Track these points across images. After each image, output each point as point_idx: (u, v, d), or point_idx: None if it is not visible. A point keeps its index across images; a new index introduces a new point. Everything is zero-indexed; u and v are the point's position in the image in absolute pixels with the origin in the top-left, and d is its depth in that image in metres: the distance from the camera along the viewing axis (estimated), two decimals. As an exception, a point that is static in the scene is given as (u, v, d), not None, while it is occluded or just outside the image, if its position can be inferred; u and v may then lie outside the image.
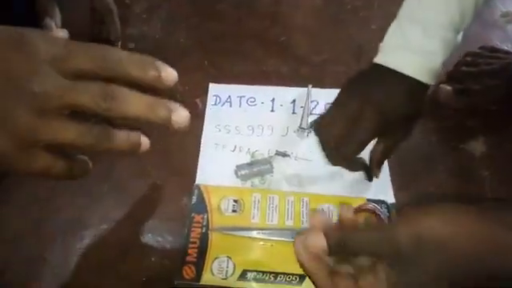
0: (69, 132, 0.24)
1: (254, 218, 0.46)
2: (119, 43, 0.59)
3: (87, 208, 0.46)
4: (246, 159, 0.52)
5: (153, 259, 0.44)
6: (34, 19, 0.52)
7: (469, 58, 0.60)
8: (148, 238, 0.45)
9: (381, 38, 0.44)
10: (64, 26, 0.53)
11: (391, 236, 0.26)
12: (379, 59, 0.43)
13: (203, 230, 0.44)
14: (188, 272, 0.42)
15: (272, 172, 0.51)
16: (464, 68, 0.58)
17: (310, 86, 0.57)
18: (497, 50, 0.61)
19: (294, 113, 0.56)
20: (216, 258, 0.43)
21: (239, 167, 0.50)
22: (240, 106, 0.57)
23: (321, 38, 0.65)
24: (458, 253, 0.25)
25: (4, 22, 0.25)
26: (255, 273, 0.42)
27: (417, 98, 0.42)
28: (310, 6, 0.70)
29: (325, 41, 0.64)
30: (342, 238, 0.28)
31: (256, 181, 0.50)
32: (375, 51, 0.44)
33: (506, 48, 0.62)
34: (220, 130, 0.54)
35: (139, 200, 0.47)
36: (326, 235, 0.28)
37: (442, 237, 0.25)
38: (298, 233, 0.30)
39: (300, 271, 0.42)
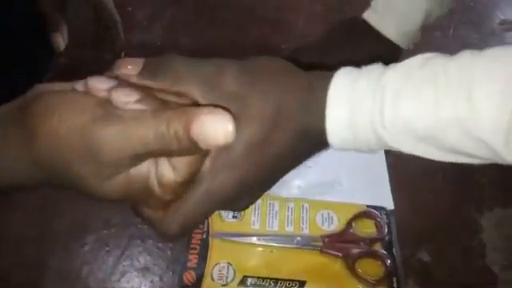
0: None
1: (254, 224, 0.46)
2: (123, 53, 0.60)
3: (89, 213, 0.47)
4: (247, 165, 0.52)
5: (154, 265, 0.44)
6: (34, 19, 0.52)
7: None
8: (149, 244, 0.45)
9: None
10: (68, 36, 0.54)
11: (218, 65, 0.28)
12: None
13: (203, 236, 0.45)
14: (188, 278, 0.42)
15: (272, 178, 0.51)
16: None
17: None
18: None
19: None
20: (216, 264, 0.43)
21: (240, 173, 0.51)
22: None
23: (321, 44, 0.65)
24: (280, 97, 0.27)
25: (4, 22, 0.26)
26: (255, 279, 0.42)
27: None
28: (311, 13, 0.71)
29: (325, 48, 0.65)
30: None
31: (256, 187, 0.50)
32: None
33: (504, 56, 0.63)
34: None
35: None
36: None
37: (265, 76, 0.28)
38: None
39: (301, 277, 0.42)
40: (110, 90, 0.25)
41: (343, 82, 0.27)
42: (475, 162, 0.27)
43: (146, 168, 0.25)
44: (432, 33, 0.66)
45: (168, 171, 0.25)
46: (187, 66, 0.27)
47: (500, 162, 0.26)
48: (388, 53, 0.48)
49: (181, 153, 0.24)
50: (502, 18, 0.70)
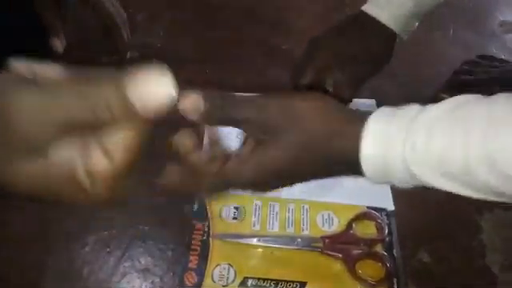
0: None
1: (254, 225, 0.46)
2: (128, 54, 0.59)
3: (90, 214, 0.47)
4: (247, 166, 0.52)
5: (154, 265, 0.44)
6: (34, 20, 0.52)
7: (467, 67, 0.60)
8: (150, 245, 0.45)
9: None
10: (67, 38, 0.54)
11: (263, 103, 0.30)
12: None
13: (204, 237, 0.45)
14: (189, 279, 0.42)
15: (273, 179, 0.51)
16: (462, 76, 0.59)
17: None
18: (495, 59, 0.62)
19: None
20: (217, 265, 0.43)
21: (240, 174, 0.51)
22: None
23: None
24: (314, 128, 0.30)
25: (4, 22, 0.26)
26: (256, 280, 0.42)
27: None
28: (312, 13, 0.71)
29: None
30: (219, 101, 0.29)
31: (257, 188, 0.50)
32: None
33: (503, 57, 0.63)
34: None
35: (141, 207, 0.48)
36: (205, 97, 0.28)
37: (304, 112, 0.30)
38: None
39: (301, 278, 0.43)
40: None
41: (380, 116, 0.30)
42: (503, 199, 0.28)
43: (69, 154, 0.21)
44: (432, 33, 0.66)
45: (100, 159, 0.22)
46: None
47: None
48: (384, 44, 0.48)
49: (114, 125, 0.21)
50: (502, 19, 0.70)
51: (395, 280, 0.43)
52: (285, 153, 0.30)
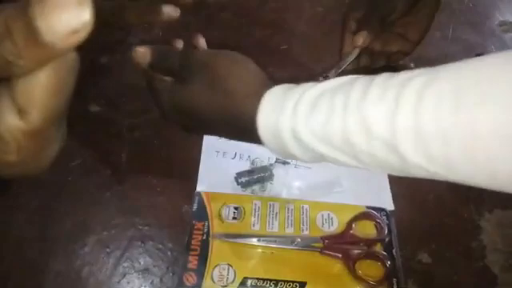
0: None
1: (254, 225, 0.46)
2: None
3: (89, 215, 0.47)
4: (247, 166, 0.52)
5: (154, 266, 0.44)
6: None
7: None
8: (149, 245, 0.45)
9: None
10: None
11: (192, 53, 0.37)
12: None
13: (204, 237, 0.45)
14: (189, 279, 0.42)
15: (272, 179, 0.51)
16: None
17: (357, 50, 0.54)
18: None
19: (294, 120, 0.57)
20: (217, 266, 0.43)
21: (239, 174, 0.51)
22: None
23: (322, 46, 0.65)
24: (225, 82, 0.34)
25: None
26: (256, 280, 0.42)
27: None
28: (312, 14, 0.71)
29: (326, 49, 0.65)
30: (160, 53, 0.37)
31: (256, 188, 0.50)
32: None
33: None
34: (220, 138, 0.55)
35: (140, 207, 0.48)
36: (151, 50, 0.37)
37: (221, 66, 0.35)
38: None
39: (301, 279, 0.42)
40: None
41: (280, 89, 0.33)
42: (386, 171, 0.30)
43: None
44: (432, 33, 0.66)
45: (13, 119, 0.19)
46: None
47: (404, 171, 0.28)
48: None
49: (25, 68, 0.18)
50: (502, 19, 0.70)
51: (395, 280, 0.43)
52: (193, 94, 0.35)
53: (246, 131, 0.34)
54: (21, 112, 0.19)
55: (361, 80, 0.29)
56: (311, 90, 0.31)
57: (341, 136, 0.29)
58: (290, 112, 0.31)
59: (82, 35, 0.17)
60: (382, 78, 0.28)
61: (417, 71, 0.27)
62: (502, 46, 0.65)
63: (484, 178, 0.26)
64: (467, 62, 0.26)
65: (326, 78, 0.53)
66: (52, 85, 0.19)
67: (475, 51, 0.62)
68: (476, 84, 0.25)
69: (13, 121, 0.19)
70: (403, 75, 0.28)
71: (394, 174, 0.30)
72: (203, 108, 0.35)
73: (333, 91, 0.30)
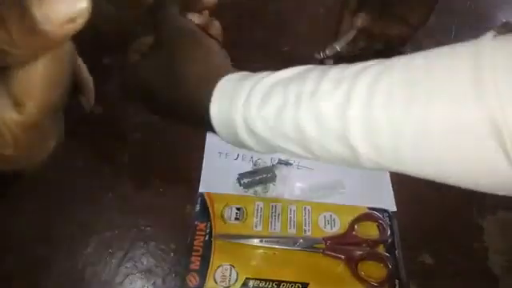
0: None
1: (256, 226, 0.46)
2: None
3: (92, 216, 0.47)
4: (249, 167, 0.52)
5: (156, 267, 0.44)
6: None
7: None
8: (152, 246, 0.45)
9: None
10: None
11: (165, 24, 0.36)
12: None
13: (206, 238, 0.45)
14: (191, 280, 0.42)
15: (274, 180, 0.51)
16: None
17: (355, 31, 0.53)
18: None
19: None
20: (219, 266, 0.43)
21: (242, 175, 0.51)
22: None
23: (324, 47, 0.65)
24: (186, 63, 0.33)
25: None
26: (258, 281, 0.42)
27: None
28: (314, 15, 0.71)
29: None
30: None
31: (259, 189, 0.50)
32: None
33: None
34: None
35: (143, 208, 0.48)
36: None
37: (190, 46, 0.34)
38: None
39: (303, 279, 0.43)
40: None
41: (235, 76, 0.32)
42: (339, 163, 0.29)
43: None
44: (434, 35, 0.66)
45: (8, 111, 0.18)
46: None
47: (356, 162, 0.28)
48: None
49: (21, 59, 0.17)
50: (504, 20, 0.70)
51: (397, 281, 0.43)
52: (150, 70, 0.34)
53: (198, 118, 0.32)
54: (17, 104, 0.18)
55: (315, 71, 0.29)
56: (265, 80, 0.30)
57: (293, 128, 0.28)
58: (243, 102, 0.30)
59: (79, 23, 0.17)
60: (337, 70, 0.28)
61: (370, 62, 0.27)
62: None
63: (432, 171, 0.26)
64: (418, 54, 0.26)
65: (323, 58, 0.52)
66: (48, 76, 0.18)
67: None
68: (427, 76, 0.24)
69: (8, 113, 0.18)
70: (356, 66, 0.27)
71: (345, 166, 0.29)
72: (157, 88, 0.34)
73: (286, 82, 0.29)
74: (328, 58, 0.47)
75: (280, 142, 0.30)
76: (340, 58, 0.47)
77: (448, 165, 0.25)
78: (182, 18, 0.37)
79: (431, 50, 0.26)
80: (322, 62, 0.48)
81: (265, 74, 0.31)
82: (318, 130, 0.27)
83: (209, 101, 0.31)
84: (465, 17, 0.69)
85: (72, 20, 0.16)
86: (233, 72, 0.32)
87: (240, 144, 0.32)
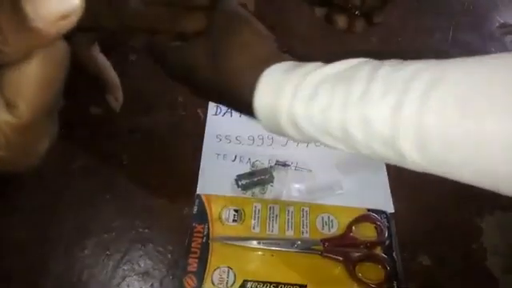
0: None
1: (254, 227, 0.46)
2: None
3: (90, 217, 0.47)
4: (247, 169, 0.52)
5: (154, 269, 0.44)
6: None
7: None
8: (149, 248, 0.45)
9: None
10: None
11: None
12: None
13: (204, 240, 0.45)
14: (189, 282, 0.42)
15: (272, 182, 0.51)
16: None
17: None
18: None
19: (294, 123, 0.57)
20: (217, 268, 0.43)
21: (240, 177, 0.51)
22: (240, 115, 0.57)
23: (322, 49, 0.65)
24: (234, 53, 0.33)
25: None
26: (256, 283, 0.42)
27: None
28: (312, 17, 0.71)
29: (326, 52, 0.65)
30: None
31: (256, 190, 0.50)
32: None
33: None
34: (221, 140, 0.55)
35: (140, 210, 0.48)
36: None
37: (238, 35, 0.33)
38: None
39: (301, 281, 0.42)
40: None
41: (281, 67, 0.31)
42: (387, 161, 0.29)
43: None
44: (432, 36, 0.66)
45: (1, 113, 0.18)
46: None
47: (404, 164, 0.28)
48: None
49: (13, 58, 0.17)
50: (501, 21, 0.70)
51: (395, 283, 0.43)
52: (197, 53, 0.33)
53: (242, 104, 0.33)
54: (9, 105, 0.18)
55: (364, 70, 0.28)
56: (312, 75, 0.30)
57: (339, 128, 0.28)
58: (289, 96, 0.30)
59: (71, 20, 0.16)
60: (386, 71, 0.27)
61: (421, 65, 0.26)
62: (502, 49, 0.65)
63: (486, 181, 0.25)
64: (476, 61, 0.25)
65: None
66: (41, 76, 0.18)
67: (475, 53, 0.61)
68: (485, 89, 0.24)
69: (0, 114, 0.18)
70: (409, 69, 0.26)
71: (391, 163, 0.29)
72: (204, 72, 0.34)
73: (334, 79, 0.29)
74: None
75: (323, 139, 0.30)
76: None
77: (505, 177, 0.24)
78: (233, 3, 0.36)
79: (488, 56, 0.25)
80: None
81: (312, 66, 0.30)
82: (365, 133, 0.27)
83: (253, 90, 0.31)
84: (462, 18, 0.70)
85: (65, 17, 0.16)
86: (279, 60, 0.32)
87: (280, 133, 0.32)
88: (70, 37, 0.17)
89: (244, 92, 0.32)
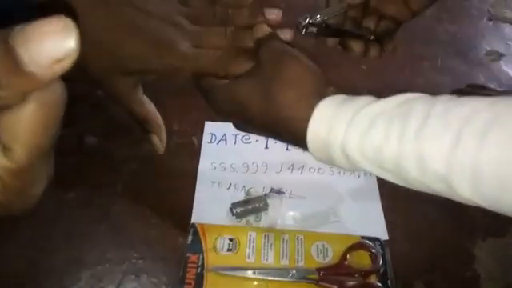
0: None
1: (249, 257, 0.46)
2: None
3: (84, 248, 0.47)
4: (242, 196, 0.52)
5: (148, 300, 0.44)
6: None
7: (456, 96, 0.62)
8: (144, 279, 0.45)
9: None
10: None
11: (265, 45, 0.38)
12: None
13: (198, 271, 0.45)
14: (184, 314, 0.42)
15: (267, 209, 0.51)
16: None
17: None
18: (483, 88, 0.63)
19: (287, 149, 0.57)
20: (212, 299, 0.43)
21: (234, 205, 0.51)
22: (235, 143, 0.58)
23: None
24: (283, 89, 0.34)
25: None
26: (251, 314, 0.42)
27: None
28: (304, 46, 0.72)
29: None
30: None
31: (251, 219, 0.50)
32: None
33: (491, 86, 0.65)
34: (215, 168, 0.55)
35: (135, 240, 0.47)
36: None
37: (287, 71, 0.35)
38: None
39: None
40: None
41: (333, 101, 0.32)
42: (440, 194, 0.30)
43: None
44: (421, 63, 0.68)
45: None
46: None
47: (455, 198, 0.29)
48: None
49: (7, 102, 0.16)
50: (488, 48, 0.72)
51: (391, 312, 0.43)
52: (248, 89, 0.35)
53: (293, 136, 0.34)
54: (5, 149, 0.17)
55: (419, 105, 0.29)
56: (367, 110, 0.31)
57: (393, 163, 0.29)
58: (343, 129, 0.31)
59: (66, 64, 0.16)
60: (441, 109, 0.28)
61: (476, 104, 0.27)
62: (490, 75, 0.67)
63: None
64: None
65: (307, 24, 0.44)
66: (37, 120, 0.17)
67: (463, 80, 0.64)
68: None
69: None
70: (465, 108, 0.27)
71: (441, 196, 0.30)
72: (255, 108, 0.35)
73: (390, 114, 0.30)
74: (312, 25, 0.44)
75: (375, 171, 0.31)
76: (326, 27, 0.44)
77: None
78: (278, 42, 0.38)
79: None
80: (305, 28, 0.44)
81: (364, 100, 0.31)
82: (419, 170, 0.28)
83: (306, 124, 0.32)
84: (451, 45, 0.72)
85: (59, 61, 0.16)
86: (330, 94, 0.33)
87: (330, 164, 0.34)
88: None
89: (297, 125, 0.33)
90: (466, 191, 0.27)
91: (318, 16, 0.44)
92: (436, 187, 0.29)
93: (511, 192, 0.26)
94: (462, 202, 0.29)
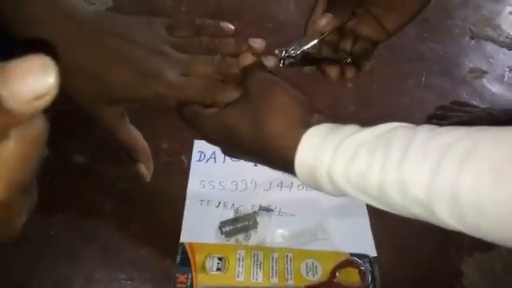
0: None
1: (238, 276, 0.46)
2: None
3: (72, 269, 0.46)
4: (231, 215, 0.52)
5: (137, 322, 0.43)
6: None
7: (440, 112, 0.63)
8: (132, 300, 0.45)
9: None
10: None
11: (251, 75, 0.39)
12: None
13: (188, 291, 0.44)
14: (172, 335, 0.41)
15: (256, 227, 0.51)
16: (435, 121, 0.62)
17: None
18: (466, 105, 0.65)
19: (276, 167, 0.58)
20: (201, 320, 0.42)
21: (223, 223, 0.51)
22: (224, 161, 0.59)
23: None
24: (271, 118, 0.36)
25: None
26: (240, 334, 0.42)
27: None
28: (288, 72, 0.73)
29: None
30: None
31: (240, 237, 0.50)
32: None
33: (474, 102, 0.66)
34: (204, 186, 0.55)
35: (124, 260, 0.47)
36: None
37: (274, 99, 0.36)
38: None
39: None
40: None
41: (320, 130, 0.34)
42: (422, 219, 0.31)
43: None
44: (406, 81, 0.69)
45: None
46: None
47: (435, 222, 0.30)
48: None
49: None
50: (471, 66, 0.74)
51: (380, 329, 0.43)
52: (236, 118, 0.37)
53: (281, 162, 0.35)
54: None
55: (400, 136, 0.31)
56: (352, 138, 0.32)
57: (376, 189, 0.31)
58: (330, 156, 0.32)
59: (46, 100, 0.16)
60: (422, 138, 0.29)
61: (456, 133, 0.29)
62: (473, 92, 0.69)
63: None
64: (509, 131, 0.28)
65: (284, 56, 0.44)
66: (18, 155, 0.17)
67: (447, 97, 0.65)
68: None
69: None
70: (445, 138, 0.29)
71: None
72: (243, 135, 0.36)
73: (372, 146, 0.31)
74: (289, 57, 0.44)
75: (360, 196, 0.32)
76: (303, 56, 0.45)
77: None
78: (263, 72, 0.40)
79: None
80: (283, 60, 0.44)
81: (349, 129, 0.33)
82: (401, 195, 0.29)
83: (294, 150, 0.33)
84: (435, 63, 0.73)
85: (40, 97, 0.16)
86: (315, 121, 0.35)
87: (316, 188, 0.35)
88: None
89: (285, 153, 0.34)
90: (445, 216, 0.28)
91: (294, 47, 0.45)
92: (417, 212, 0.30)
93: (489, 218, 0.27)
94: (443, 226, 0.29)
